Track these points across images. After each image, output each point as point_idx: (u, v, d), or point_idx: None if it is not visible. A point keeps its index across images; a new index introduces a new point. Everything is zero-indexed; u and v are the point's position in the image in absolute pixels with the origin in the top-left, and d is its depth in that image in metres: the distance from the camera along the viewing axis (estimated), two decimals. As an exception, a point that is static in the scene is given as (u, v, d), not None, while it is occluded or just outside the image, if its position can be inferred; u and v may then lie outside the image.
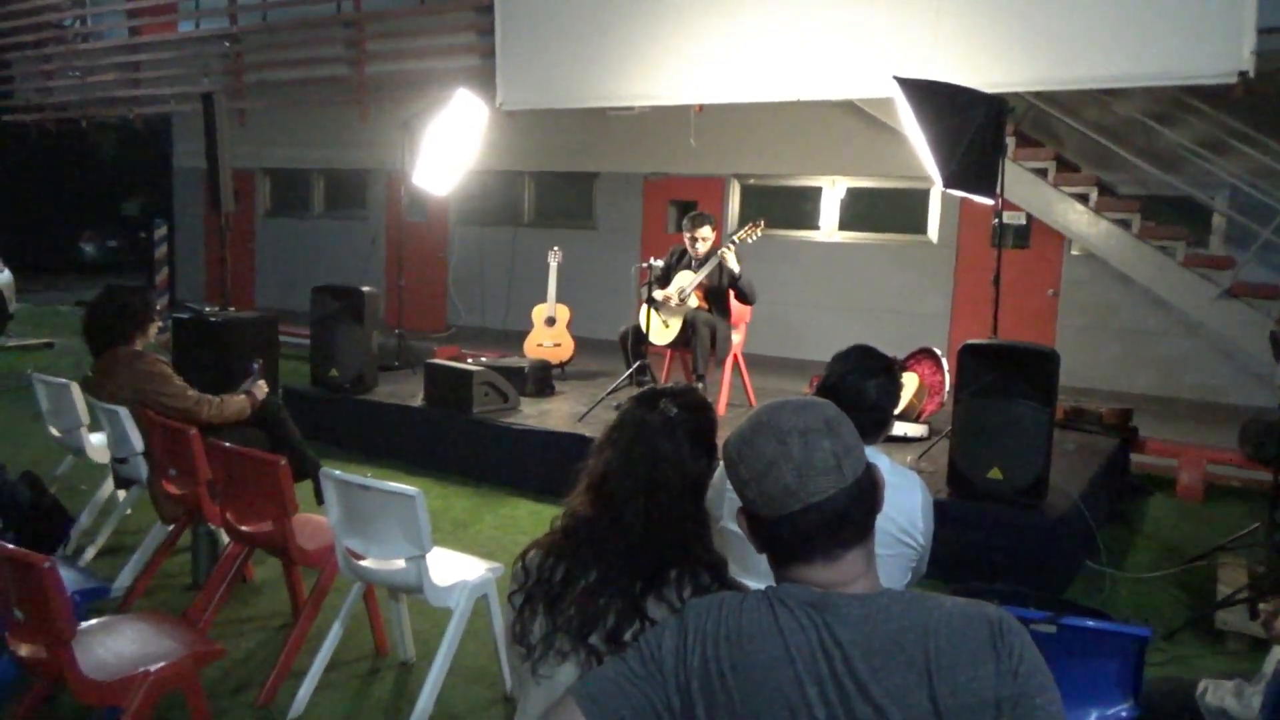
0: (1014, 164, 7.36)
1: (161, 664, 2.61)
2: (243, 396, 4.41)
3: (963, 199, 6.55)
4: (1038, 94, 7.42)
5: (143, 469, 4.19)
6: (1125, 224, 7.37)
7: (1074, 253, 8.17)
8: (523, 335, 7.89)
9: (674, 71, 7.77)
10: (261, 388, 4.58)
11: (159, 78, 11.91)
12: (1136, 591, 4.45)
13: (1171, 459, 6.12)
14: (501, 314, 10.48)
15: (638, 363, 6.31)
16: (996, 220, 5.46)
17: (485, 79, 8.61)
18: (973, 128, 5.11)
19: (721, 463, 1.51)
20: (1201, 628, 3.98)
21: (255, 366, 4.71)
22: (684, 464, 1.80)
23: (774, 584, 1.42)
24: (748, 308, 6.63)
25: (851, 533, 1.37)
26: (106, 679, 2.52)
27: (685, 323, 6.29)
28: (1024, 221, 8.19)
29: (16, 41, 13.25)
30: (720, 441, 1.94)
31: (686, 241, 6.43)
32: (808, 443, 1.35)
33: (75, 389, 4.55)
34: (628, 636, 1.67)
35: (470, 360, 6.92)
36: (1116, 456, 5.75)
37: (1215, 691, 2.34)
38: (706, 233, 6.36)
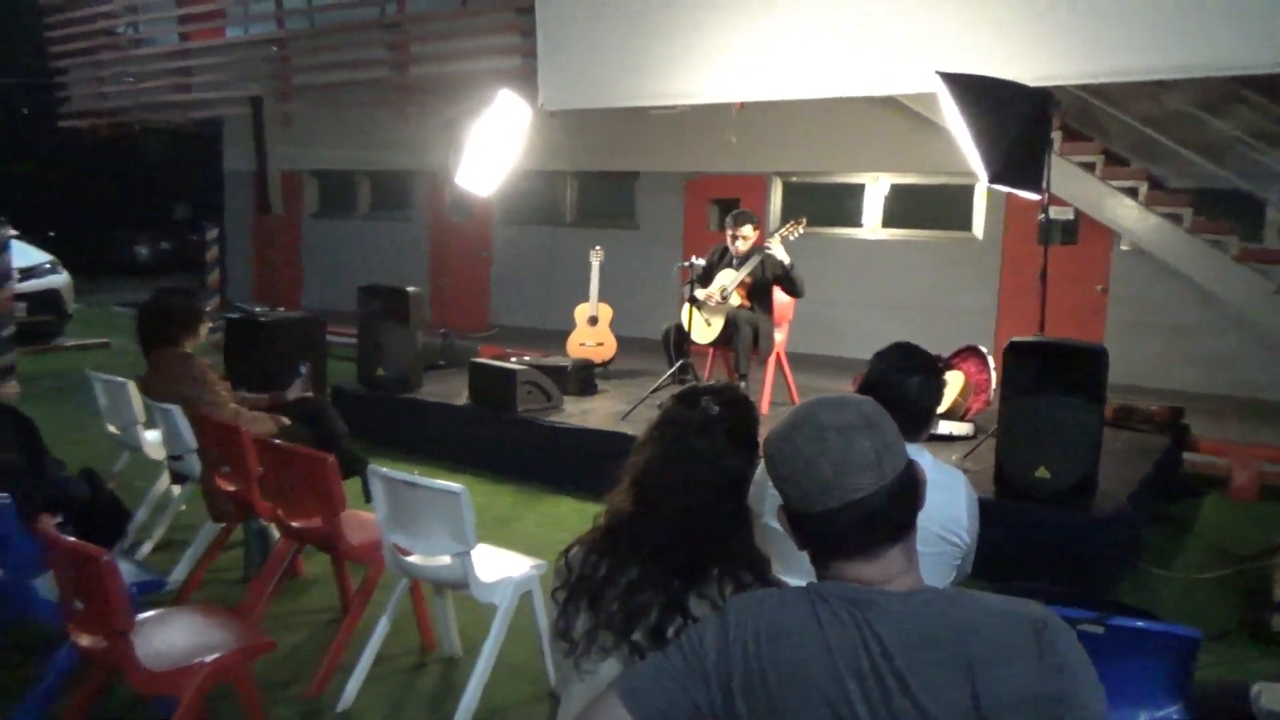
0: (1060, 158, 7.24)
1: (215, 655, 2.68)
2: (272, 422, 4.44)
3: (1008, 194, 6.48)
4: (1084, 86, 7.30)
5: (196, 466, 4.29)
6: (1176, 218, 7.22)
7: (1123, 248, 8.02)
8: (565, 334, 7.93)
9: (715, 70, 7.75)
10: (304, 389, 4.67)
11: (209, 83, 12.16)
12: (1188, 593, 4.36)
13: (1224, 458, 5.99)
14: (544, 313, 10.54)
15: (680, 361, 6.31)
16: (1043, 216, 5.39)
17: (527, 79, 8.67)
18: (1018, 122, 5.05)
19: (763, 460, 1.51)
20: (1255, 630, 3.90)
21: (303, 369, 4.80)
22: (724, 462, 1.81)
23: (815, 581, 1.42)
24: (789, 306, 6.61)
25: (891, 530, 1.37)
26: (162, 669, 2.59)
27: (727, 321, 6.28)
28: (1071, 217, 8.05)
29: (72, 49, 13.60)
30: (762, 439, 1.95)
31: (728, 239, 6.42)
32: (846, 439, 1.35)
33: (132, 387, 4.67)
34: (670, 633, 1.69)
35: (514, 359, 6.97)
36: (1167, 456, 5.64)
37: (1270, 694, 2.30)
38: (748, 231, 6.34)
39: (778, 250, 6.15)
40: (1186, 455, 6.05)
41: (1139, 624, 2.13)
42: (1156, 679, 2.12)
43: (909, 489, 1.38)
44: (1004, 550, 4.05)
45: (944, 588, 1.41)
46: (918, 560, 1.42)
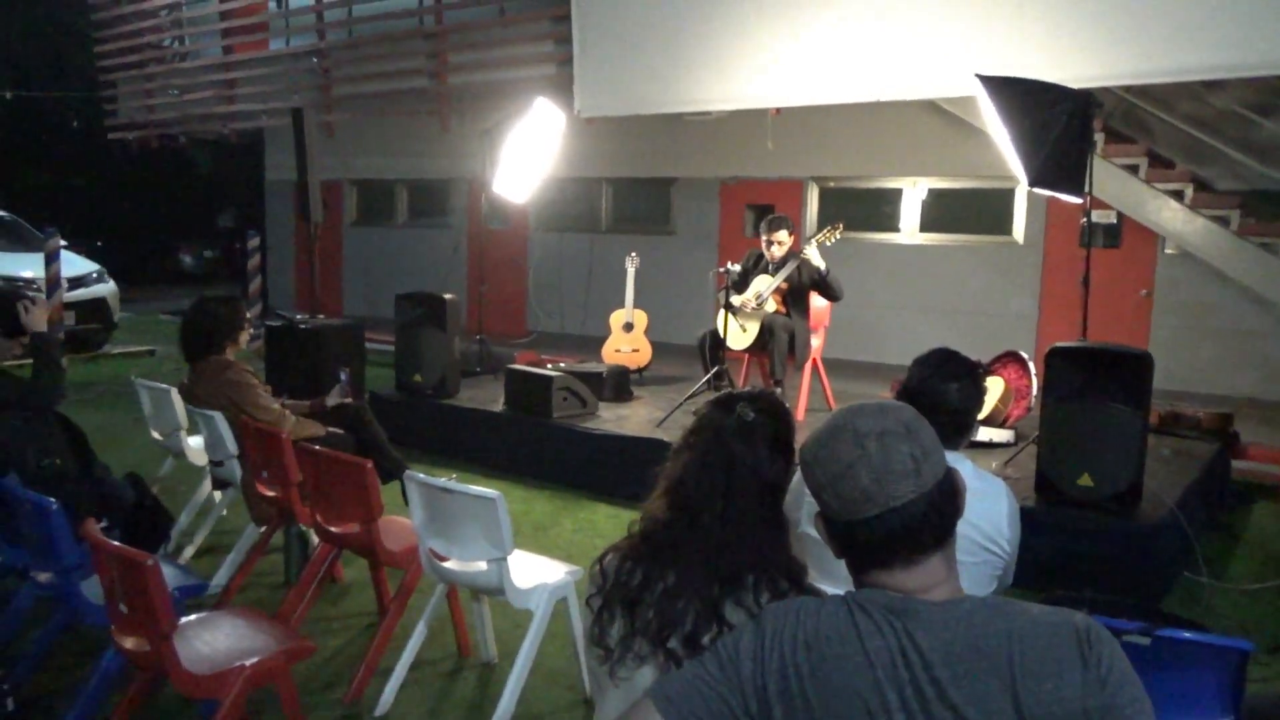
0: (1103, 161, 7.13)
1: (256, 659, 2.71)
2: (319, 424, 4.52)
3: (1049, 198, 6.38)
4: (1128, 88, 7.18)
5: (238, 471, 4.35)
6: (1223, 221, 7.07)
7: (1168, 251, 7.87)
8: (601, 340, 7.94)
9: (751, 75, 7.73)
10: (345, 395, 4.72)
11: (252, 94, 12.36)
12: (1239, 604, 4.26)
13: (1276, 465, 5.85)
14: (580, 319, 10.57)
15: (716, 367, 6.30)
16: (1085, 219, 5.30)
17: (563, 87, 8.71)
18: (1059, 124, 4.97)
19: (799, 467, 1.50)
20: (1310, 643, 3.79)
21: (343, 375, 4.85)
22: (760, 468, 1.79)
23: (853, 589, 1.41)
24: (826, 311, 6.56)
25: (930, 538, 1.35)
26: (205, 672, 2.62)
27: (763, 327, 6.25)
28: (1114, 220, 7.92)
29: (120, 63, 13.90)
30: (799, 446, 1.93)
31: (763, 245, 6.40)
32: (885, 446, 1.33)
33: (175, 394, 4.75)
34: (706, 640, 1.68)
35: (549, 365, 7.00)
36: (1216, 462, 5.52)
37: (1323, 709, 2.24)
38: (783, 236, 6.31)
39: (813, 255, 6.12)
40: (1236, 462, 5.91)
41: (1186, 635, 2.08)
42: (1206, 692, 2.07)
43: (949, 497, 1.36)
44: (1047, 559, 4.00)
45: (986, 597, 1.39)
46: (957, 568, 1.40)
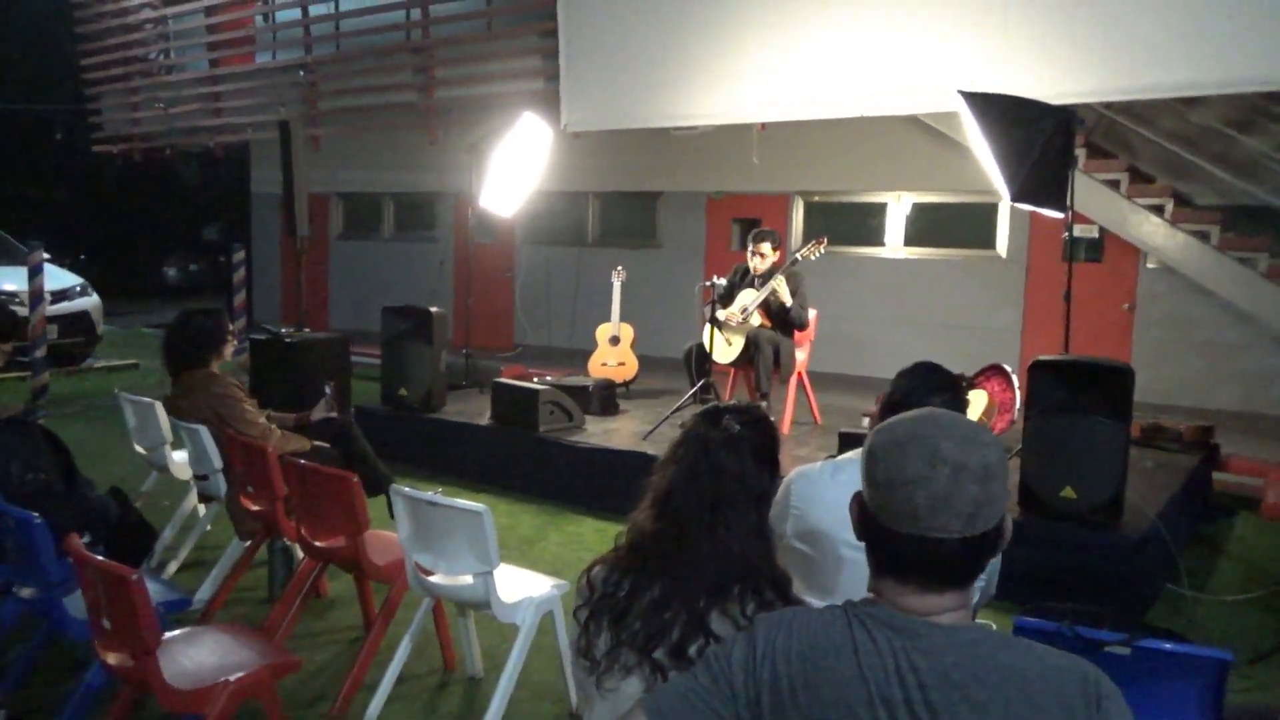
0: (1085, 176, 7.20)
1: (241, 674, 2.69)
2: (304, 438, 4.51)
3: (1032, 213, 6.44)
4: (1109, 104, 7.26)
5: (222, 485, 4.33)
6: (1204, 236, 7.15)
7: (1150, 266, 7.95)
8: (587, 354, 7.95)
9: (737, 90, 7.79)
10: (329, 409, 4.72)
11: (238, 107, 12.35)
12: (1221, 615, 4.29)
13: (1257, 477, 5.90)
14: (567, 333, 10.58)
15: (702, 381, 6.32)
16: (1067, 234, 5.36)
17: (550, 102, 8.75)
18: (1041, 140, 5.03)
19: (784, 479, 1.50)
20: (1290, 653, 3.83)
21: (328, 389, 4.84)
22: (747, 480, 1.81)
23: (851, 600, 1.40)
24: (812, 324, 6.62)
25: (956, 577, 1.32)
26: (189, 687, 2.61)
27: (748, 341, 6.28)
28: (1097, 235, 8.00)
29: (106, 76, 13.86)
30: (784, 460, 1.95)
31: (749, 258, 6.44)
32: (957, 481, 1.27)
33: (159, 408, 4.72)
34: (692, 651, 1.69)
35: (536, 379, 7.01)
36: (1197, 475, 5.57)
37: (1302, 719, 2.26)
38: (767, 249, 6.36)
39: (782, 289, 6.17)
40: (1217, 474, 5.97)
41: (1167, 646, 2.11)
42: (1186, 702, 2.09)
43: (992, 545, 1.32)
44: (1031, 571, 4.02)
45: (996, 630, 1.38)
46: (971, 599, 1.37)
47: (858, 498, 1.37)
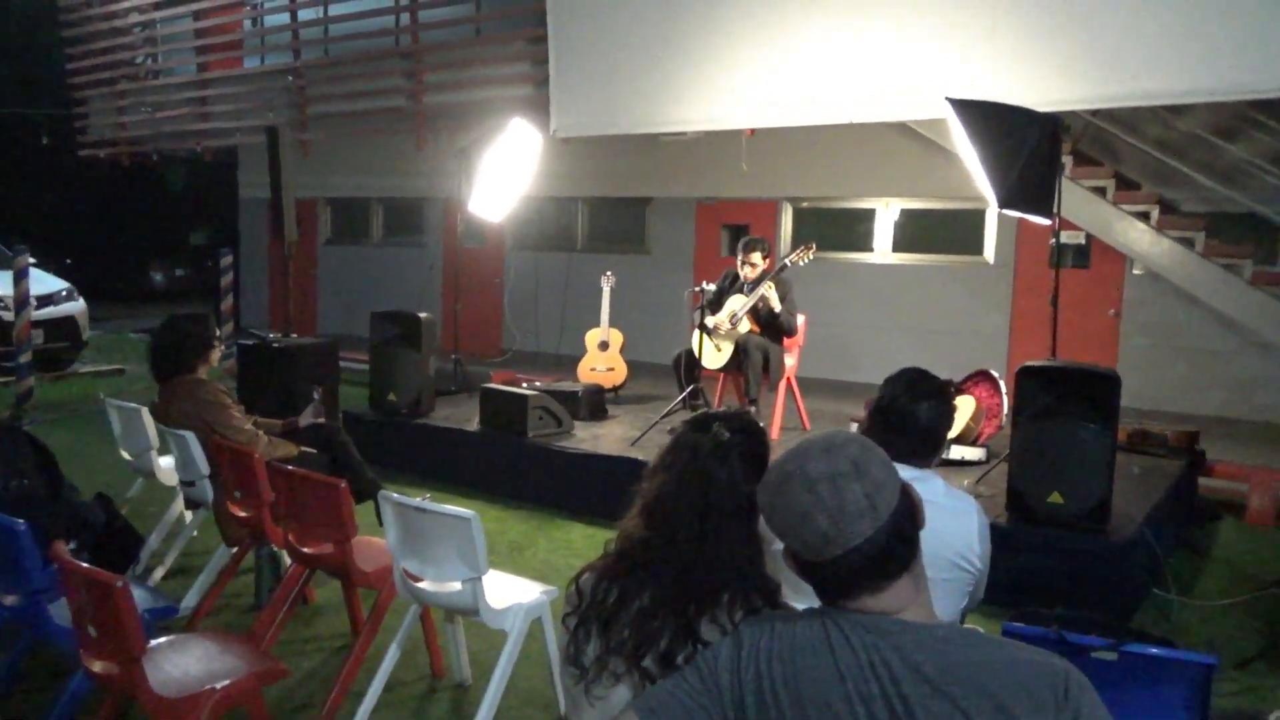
0: (1071, 183, 7.24)
1: (227, 682, 2.68)
2: (292, 444, 4.50)
3: (1019, 219, 6.47)
4: (1096, 111, 7.31)
5: (209, 492, 4.31)
6: (1189, 242, 7.20)
7: (1136, 272, 8.00)
8: (576, 360, 7.94)
9: (726, 96, 7.81)
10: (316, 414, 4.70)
11: (226, 112, 12.31)
12: (1207, 619, 4.32)
13: (1241, 482, 5.94)
14: (556, 339, 10.57)
15: (691, 387, 6.32)
16: (1054, 240, 5.39)
17: (539, 107, 8.75)
18: (1028, 147, 5.06)
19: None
20: (1275, 657, 3.85)
21: (316, 394, 4.83)
22: (737, 487, 1.81)
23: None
24: (801, 330, 6.63)
25: (895, 566, 1.37)
26: (174, 695, 2.59)
27: (737, 346, 6.29)
28: (1083, 241, 8.05)
29: (92, 79, 13.80)
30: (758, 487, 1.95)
31: (738, 265, 6.46)
32: (837, 488, 1.34)
33: (146, 414, 4.70)
34: (680, 659, 1.69)
35: (525, 385, 7.00)
36: (1183, 480, 5.60)
37: (1287, 723, 2.27)
38: (757, 259, 6.38)
39: (771, 296, 6.19)
40: (1203, 479, 6.00)
41: (1153, 651, 2.12)
42: (1173, 706, 2.10)
43: (908, 519, 1.38)
44: (1018, 576, 4.04)
45: (966, 628, 1.41)
46: (927, 585, 1.42)
47: (787, 552, 1.44)
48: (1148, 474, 5.42)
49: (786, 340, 6.49)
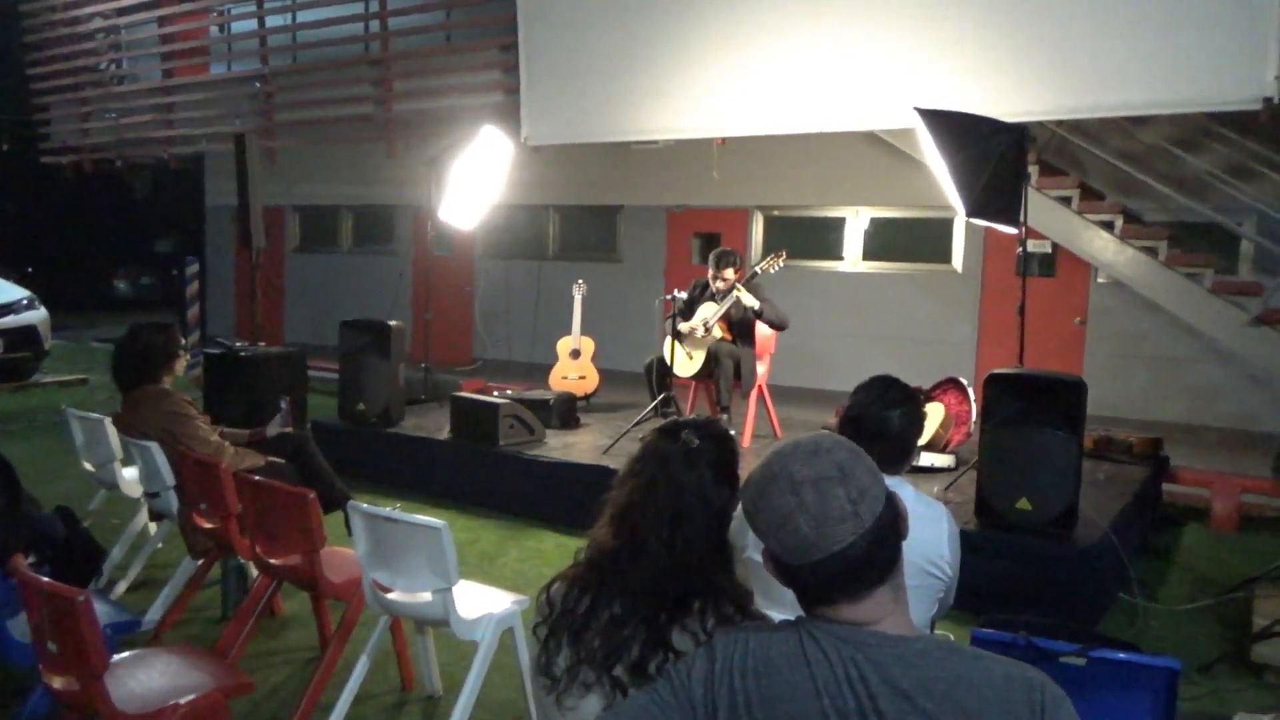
0: (1037, 192, 7.34)
1: (192, 696, 2.63)
2: (259, 455, 4.45)
3: (987, 228, 6.55)
4: (1061, 122, 7.42)
5: (174, 502, 4.24)
6: (1152, 251, 7.32)
7: (1100, 281, 8.12)
8: (548, 368, 7.92)
9: (697, 105, 7.84)
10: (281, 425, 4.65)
11: (192, 119, 12.16)
12: (1171, 624, 4.37)
13: (1204, 488, 6.03)
14: (527, 347, 10.54)
15: (662, 395, 6.32)
16: (1021, 249, 5.45)
17: (510, 115, 8.73)
18: (995, 157, 5.12)
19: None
20: (1238, 661, 3.91)
21: (284, 404, 4.77)
22: (707, 495, 1.81)
23: (802, 614, 1.42)
24: (772, 339, 6.65)
25: (875, 573, 1.35)
26: (138, 711, 2.54)
27: (709, 354, 6.30)
28: (1049, 250, 8.16)
29: (55, 85, 13.59)
30: (744, 473, 1.95)
31: (710, 278, 6.47)
32: (821, 493, 1.33)
33: (109, 424, 4.62)
34: (652, 668, 1.68)
35: (496, 393, 6.96)
36: (1148, 486, 5.67)
37: (1251, 725, 2.30)
38: (729, 274, 6.39)
39: (745, 297, 6.21)
40: (1167, 486, 6.09)
41: (1120, 656, 2.14)
42: (1139, 711, 2.12)
43: (890, 528, 1.37)
44: (986, 582, 4.07)
45: (943, 640, 1.40)
46: (906, 597, 1.41)
47: (766, 555, 1.42)
48: (1113, 480, 5.49)
49: (758, 348, 6.51)
